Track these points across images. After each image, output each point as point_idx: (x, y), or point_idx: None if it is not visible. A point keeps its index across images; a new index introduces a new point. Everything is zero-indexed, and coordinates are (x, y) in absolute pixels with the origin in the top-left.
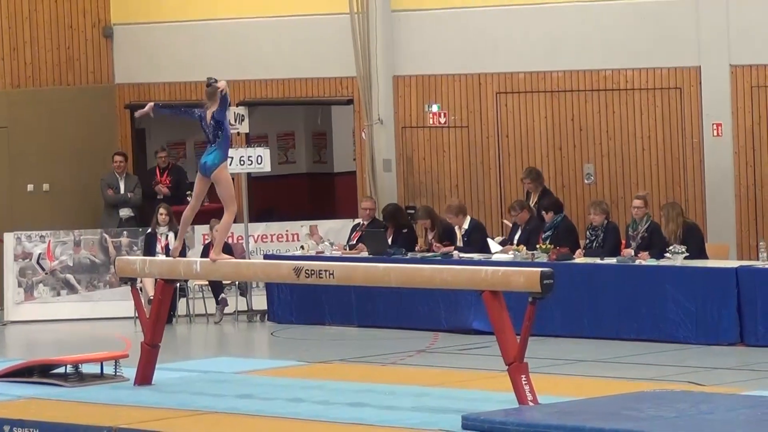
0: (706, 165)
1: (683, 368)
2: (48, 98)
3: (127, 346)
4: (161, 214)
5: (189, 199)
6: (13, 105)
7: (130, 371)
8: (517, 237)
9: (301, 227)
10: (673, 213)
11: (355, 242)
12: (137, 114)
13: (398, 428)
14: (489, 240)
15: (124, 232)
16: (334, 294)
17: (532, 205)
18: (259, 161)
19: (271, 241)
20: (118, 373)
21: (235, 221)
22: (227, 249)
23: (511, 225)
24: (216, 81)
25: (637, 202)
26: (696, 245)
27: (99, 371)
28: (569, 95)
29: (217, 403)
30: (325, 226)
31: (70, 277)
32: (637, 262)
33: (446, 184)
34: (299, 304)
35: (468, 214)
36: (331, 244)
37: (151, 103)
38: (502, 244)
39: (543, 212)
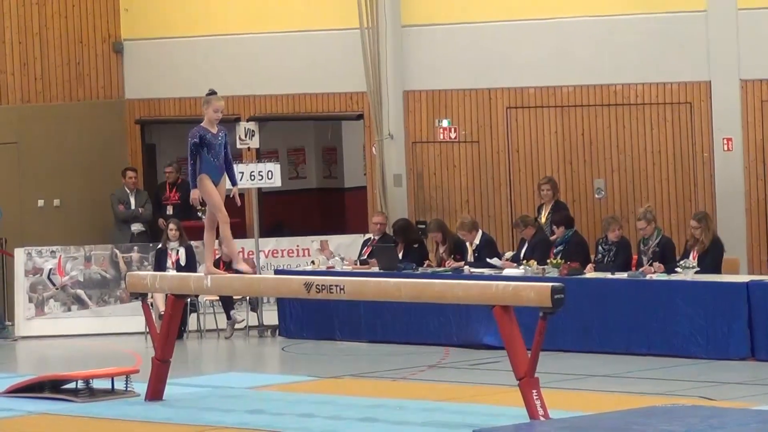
0: (716, 179)
1: (694, 383)
2: (58, 113)
3: (138, 361)
4: (171, 230)
5: (198, 214)
6: (24, 120)
7: (141, 386)
8: (523, 252)
9: (312, 242)
10: (710, 222)
11: (366, 257)
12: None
13: None
14: (495, 259)
15: (135, 248)
16: (345, 309)
17: (544, 216)
18: (270, 176)
19: (282, 256)
20: (129, 389)
21: (245, 236)
22: None
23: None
24: (215, 92)
25: (640, 224)
26: (715, 259)
27: (110, 386)
28: (580, 110)
29: (228, 419)
30: (335, 241)
31: (80, 292)
32: (648, 276)
33: (457, 199)
34: (310, 319)
35: (480, 228)
36: (342, 259)
37: (192, 193)
38: (513, 260)
39: (554, 226)
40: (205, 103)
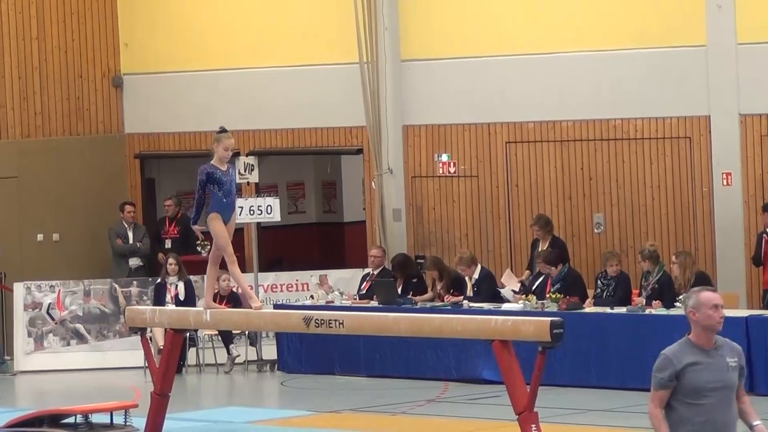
0: (715, 214)
1: None
2: (58, 148)
3: (137, 395)
4: (170, 264)
5: (198, 248)
6: (23, 155)
7: (139, 421)
8: (537, 284)
9: (311, 277)
10: (689, 261)
11: (365, 292)
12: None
13: None
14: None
15: (134, 282)
16: (344, 344)
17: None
18: (269, 211)
19: (281, 290)
20: (127, 423)
21: (244, 271)
22: (235, 298)
23: (519, 282)
24: (226, 130)
25: (644, 265)
26: None
27: (109, 421)
28: (579, 144)
29: None
30: (334, 275)
31: (79, 326)
32: (648, 311)
33: (456, 234)
34: (309, 354)
35: (478, 263)
36: (341, 293)
37: (196, 228)
38: (524, 291)
39: (551, 267)
40: (215, 141)
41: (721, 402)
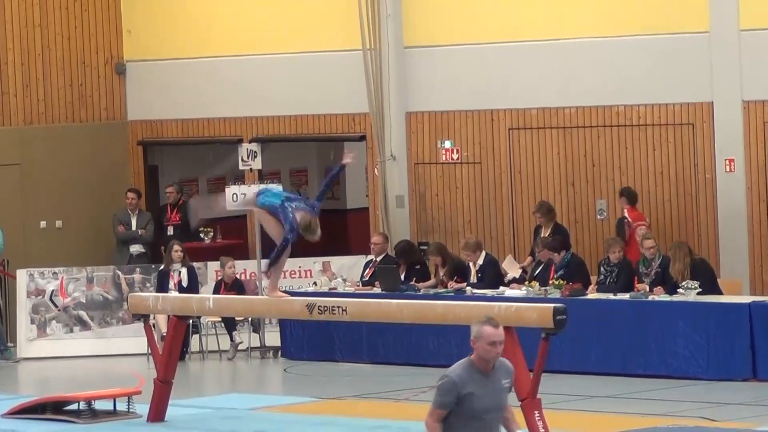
0: (718, 200)
1: (696, 404)
2: (61, 135)
3: (140, 382)
4: (176, 251)
5: (201, 236)
6: (26, 142)
7: (143, 408)
8: (537, 272)
9: (314, 264)
10: (680, 253)
11: (368, 278)
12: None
13: None
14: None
15: (137, 269)
16: (347, 330)
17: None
18: None
19: (284, 277)
20: (131, 410)
21: (247, 257)
22: (239, 285)
23: (521, 269)
24: None
25: (648, 243)
26: (706, 281)
27: (112, 408)
28: (582, 131)
29: None
30: (338, 262)
31: (83, 313)
32: (651, 297)
33: (459, 221)
34: (312, 341)
35: (483, 249)
36: (344, 280)
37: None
38: (520, 281)
39: (553, 253)
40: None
41: (494, 420)
